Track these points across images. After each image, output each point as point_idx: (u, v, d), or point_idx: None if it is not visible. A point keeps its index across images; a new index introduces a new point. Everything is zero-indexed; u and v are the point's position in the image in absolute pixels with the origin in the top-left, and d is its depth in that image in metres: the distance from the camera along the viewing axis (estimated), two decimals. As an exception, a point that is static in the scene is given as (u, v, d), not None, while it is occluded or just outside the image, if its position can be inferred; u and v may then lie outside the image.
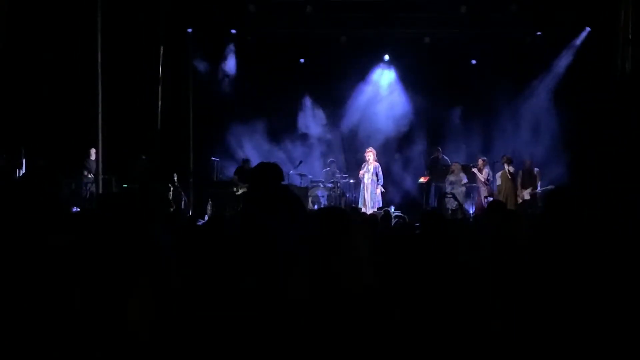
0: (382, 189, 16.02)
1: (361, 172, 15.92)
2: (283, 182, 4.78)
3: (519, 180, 15.52)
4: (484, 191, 15.74)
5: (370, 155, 15.92)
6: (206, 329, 3.05)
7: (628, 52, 14.99)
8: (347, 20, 17.21)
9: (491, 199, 15.06)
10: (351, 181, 16.87)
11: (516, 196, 15.25)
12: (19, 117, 13.86)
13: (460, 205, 13.39)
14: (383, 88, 18.87)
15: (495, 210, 4.37)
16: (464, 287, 3.36)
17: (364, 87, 18.68)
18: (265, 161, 5.03)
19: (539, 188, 15.17)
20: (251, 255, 4.13)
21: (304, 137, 18.59)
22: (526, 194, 15.28)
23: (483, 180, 15.74)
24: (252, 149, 17.88)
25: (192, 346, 3.03)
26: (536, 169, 15.41)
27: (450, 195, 14.57)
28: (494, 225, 3.91)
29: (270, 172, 4.71)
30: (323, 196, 16.38)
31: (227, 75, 18.21)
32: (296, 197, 4.74)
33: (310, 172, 17.26)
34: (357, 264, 2.50)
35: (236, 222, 4.84)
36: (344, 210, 2.82)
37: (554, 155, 16.14)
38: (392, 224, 9.26)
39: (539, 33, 17.14)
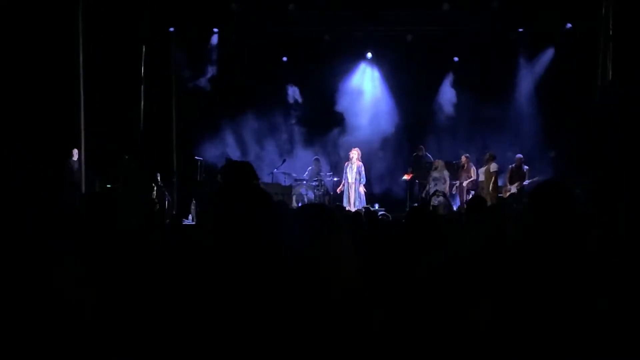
0: (364, 189, 16.10)
1: (344, 171, 15.95)
2: (257, 181, 4.78)
3: (507, 175, 15.60)
4: (466, 187, 15.82)
5: (355, 154, 15.95)
6: (195, 326, 3.05)
7: (609, 48, 15.10)
8: (330, 18, 17.22)
9: (472, 192, 15.16)
10: (335, 179, 16.87)
11: (496, 192, 15.31)
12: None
13: (448, 202, 13.45)
14: (366, 86, 18.88)
15: (476, 205, 4.39)
16: (447, 282, 3.37)
17: (347, 85, 18.67)
18: (236, 160, 5.05)
19: (526, 182, 15.23)
20: (237, 254, 4.13)
21: (288, 135, 18.55)
22: (513, 188, 15.36)
23: (473, 177, 15.83)
24: (236, 148, 17.83)
25: (184, 343, 3.02)
26: (525, 167, 15.48)
27: (441, 193, 14.60)
28: (474, 220, 3.93)
29: (243, 170, 4.72)
30: (307, 194, 16.36)
31: (209, 75, 18.12)
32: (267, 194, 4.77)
33: (294, 171, 17.24)
34: (341, 261, 2.51)
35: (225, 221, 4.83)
36: (328, 207, 2.82)
37: (537, 152, 16.23)
38: (377, 221, 9.28)
39: (520, 30, 17.22)
